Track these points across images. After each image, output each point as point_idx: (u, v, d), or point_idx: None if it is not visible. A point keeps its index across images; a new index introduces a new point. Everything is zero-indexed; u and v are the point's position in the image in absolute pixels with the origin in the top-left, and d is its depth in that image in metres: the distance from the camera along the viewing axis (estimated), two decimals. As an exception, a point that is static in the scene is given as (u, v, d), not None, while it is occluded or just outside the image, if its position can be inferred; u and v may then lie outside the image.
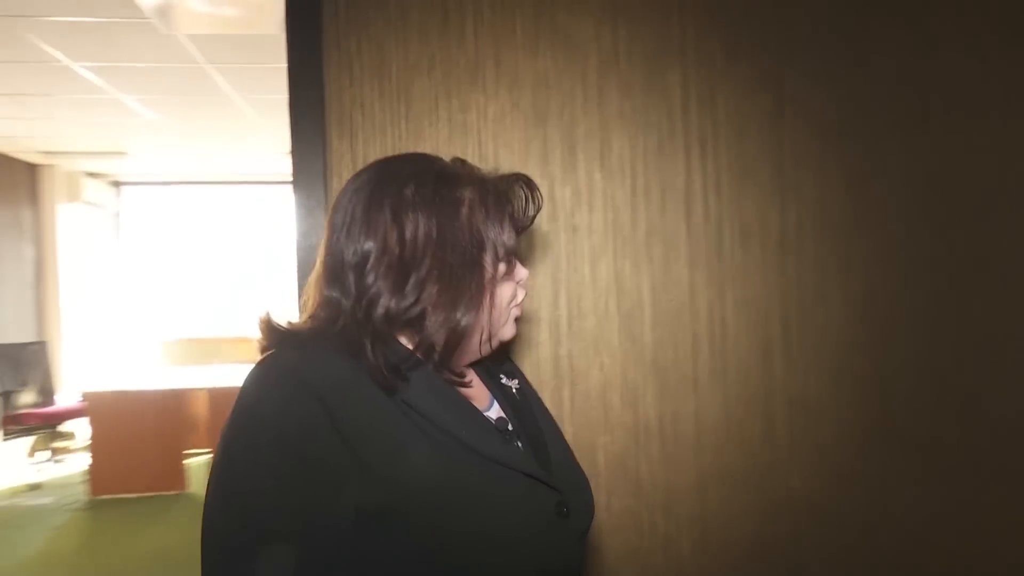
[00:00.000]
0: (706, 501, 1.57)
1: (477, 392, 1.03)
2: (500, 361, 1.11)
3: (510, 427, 1.01)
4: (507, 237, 0.96)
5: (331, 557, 0.83)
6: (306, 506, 0.82)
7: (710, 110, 1.58)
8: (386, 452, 0.86)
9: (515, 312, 1.01)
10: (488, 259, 0.94)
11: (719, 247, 1.58)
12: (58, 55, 4.08)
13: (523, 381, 1.13)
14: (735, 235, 1.59)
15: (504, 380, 1.09)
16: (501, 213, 0.96)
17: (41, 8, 3.43)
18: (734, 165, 1.58)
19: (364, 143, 1.48)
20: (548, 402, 1.47)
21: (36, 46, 3.93)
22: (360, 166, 1.34)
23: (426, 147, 1.50)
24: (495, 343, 0.99)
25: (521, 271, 1.00)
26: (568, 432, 1.53)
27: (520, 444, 1.00)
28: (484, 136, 1.52)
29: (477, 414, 0.97)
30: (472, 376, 1.04)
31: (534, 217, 1.03)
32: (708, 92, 1.58)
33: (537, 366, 1.54)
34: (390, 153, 1.42)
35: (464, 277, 0.92)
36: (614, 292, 1.56)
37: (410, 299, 0.90)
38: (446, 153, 1.40)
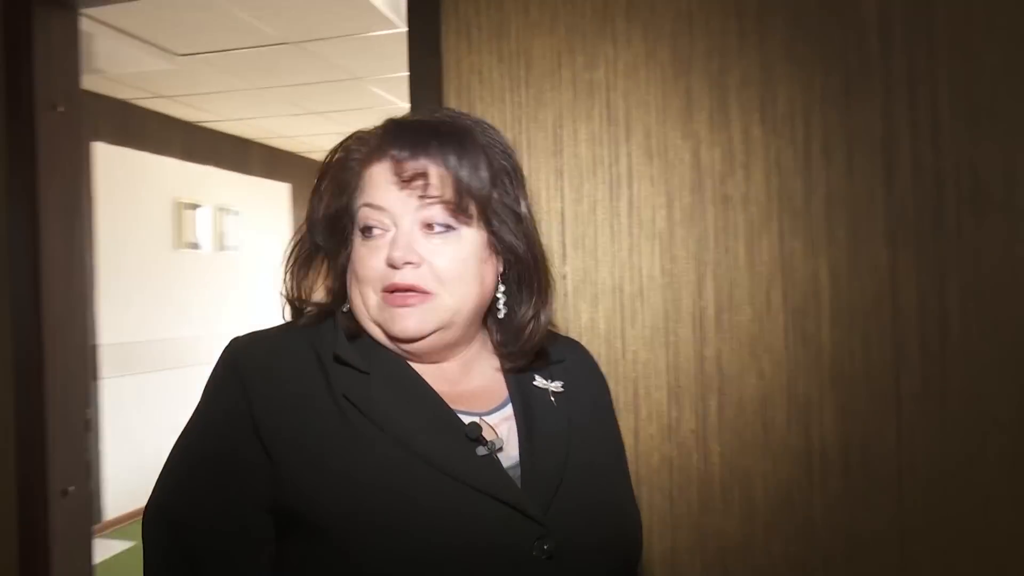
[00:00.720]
0: (908, 558, 1.15)
1: (481, 392, 0.85)
2: (548, 359, 0.91)
3: (491, 437, 0.80)
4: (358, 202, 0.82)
5: (253, 557, 0.74)
6: (214, 498, 0.74)
7: (925, 28, 1.15)
8: (300, 455, 0.74)
9: (395, 299, 0.80)
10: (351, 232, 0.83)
11: (937, 217, 1.15)
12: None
13: (578, 385, 0.91)
14: (963, 199, 1.14)
15: (539, 381, 0.88)
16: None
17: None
18: (962, 102, 1.14)
19: (483, 113, 1.35)
20: (687, 413, 1.22)
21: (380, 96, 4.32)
22: None
23: (547, 113, 1.32)
24: (391, 334, 0.81)
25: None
26: (714, 451, 1.24)
27: (513, 458, 0.79)
28: (613, 95, 1.30)
29: (444, 417, 0.79)
30: (481, 371, 0.86)
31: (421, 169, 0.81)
32: (923, 3, 1.15)
33: (675, 369, 1.27)
34: (509, 123, 1.29)
35: (332, 255, 0.85)
36: (779, 279, 1.22)
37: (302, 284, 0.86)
38: (569, 119, 1.23)
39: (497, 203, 0.82)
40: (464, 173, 0.79)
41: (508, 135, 1.28)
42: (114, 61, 3.54)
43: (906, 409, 1.16)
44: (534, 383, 0.88)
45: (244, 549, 0.77)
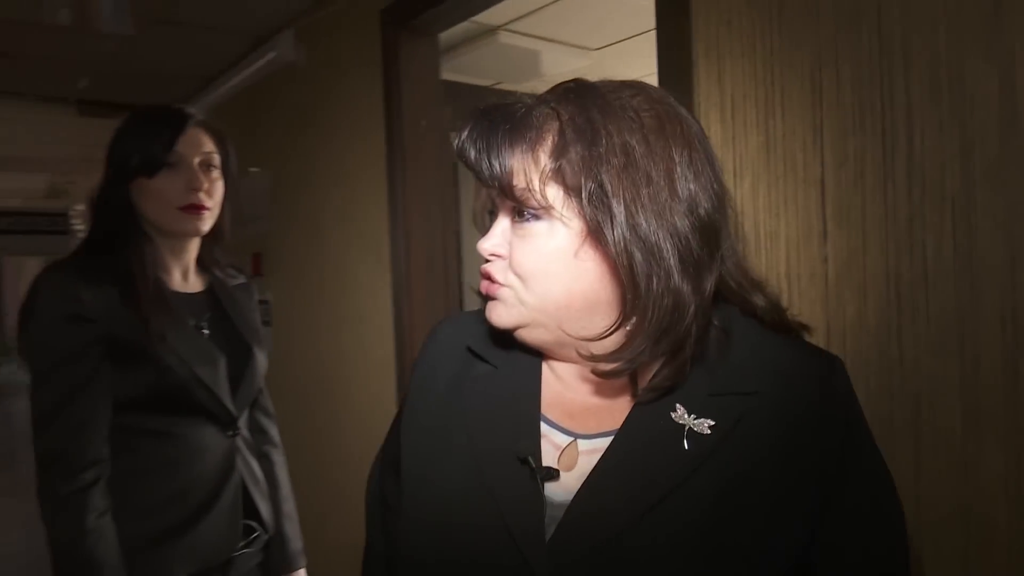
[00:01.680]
0: None
1: (598, 408, 0.74)
2: (714, 386, 0.70)
3: (550, 463, 0.70)
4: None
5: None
6: (379, 463, 0.89)
7: None
8: (407, 437, 0.79)
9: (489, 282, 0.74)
10: None
11: None
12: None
13: (759, 434, 0.68)
14: None
15: (678, 413, 0.69)
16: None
17: None
18: None
19: (731, 68, 1.16)
20: (991, 448, 0.90)
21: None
22: (726, 97, 1.13)
23: (804, 56, 1.06)
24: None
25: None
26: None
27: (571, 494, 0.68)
28: (887, 14, 0.97)
29: (524, 428, 0.72)
30: (613, 384, 0.74)
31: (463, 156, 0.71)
32: None
33: (974, 386, 0.91)
34: (760, 77, 1.11)
35: None
36: None
37: None
38: (830, 58, 0.99)
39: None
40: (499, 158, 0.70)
41: (760, 91, 1.09)
42: (544, 66, 3.97)
43: None
44: (672, 413, 0.69)
45: (384, 514, 0.85)
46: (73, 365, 1.19)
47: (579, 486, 0.68)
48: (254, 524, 1.37)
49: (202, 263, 1.43)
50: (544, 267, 0.69)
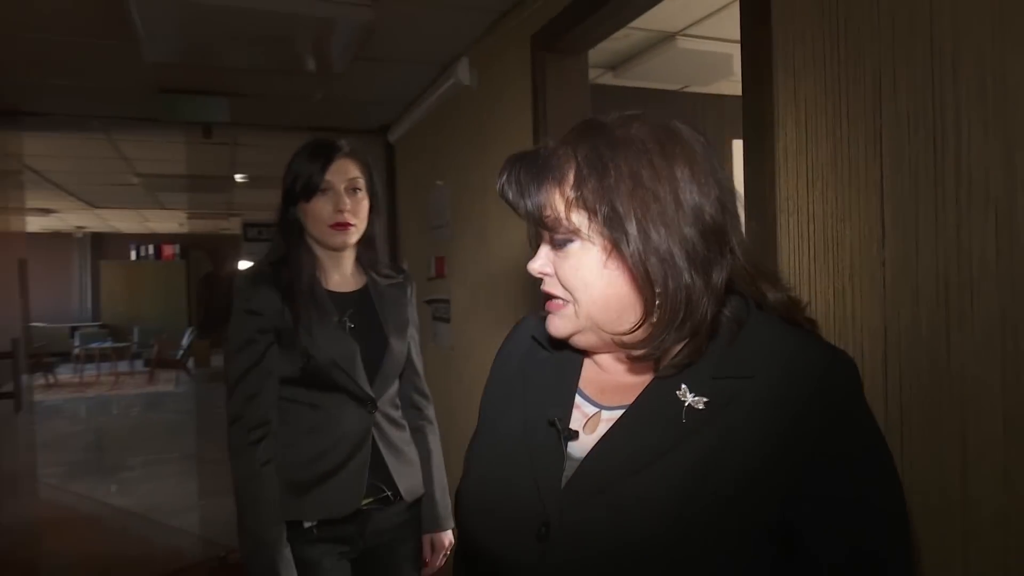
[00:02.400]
0: None
1: (622, 387, 0.87)
2: (718, 370, 0.80)
3: (578, 427, 0.84)
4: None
5: None
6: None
7: None
8: (484, 401, 0.99)
9: (549, 299, 0.86)
10: None
11: None
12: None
13: (747, 413, 0.77)
14: None
15: (682, 391, 0.80)
16: None
17: None
18: None
19: (802, 81, 1.20)
20: None
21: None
22: (800, 108, 1.19)
23: (866, 66, 1.08)
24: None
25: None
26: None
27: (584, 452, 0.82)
28: (938, 17, 0.98)
29: (561, 400, 0.88)
30: (638, 368, 0.87)
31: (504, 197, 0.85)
32: None
33: (1016, 393, 0.89)
34: (828, 90, 1.15)
35: None
36: None
37: None
38: (888, 66, 1.05)
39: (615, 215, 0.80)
40: (533, 195, 0.82)
41: (829, 101, 1.13)
42: (736, 65, 3.94)
43: None
44: (676, 392, 0.80)
45: None
46: (248, 348, 1.53)
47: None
48: (383, 486, 1.62)
49: (362, 265, 1.73)
50: (582, 279, 0.82)
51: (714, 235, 0.79)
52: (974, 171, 0.94)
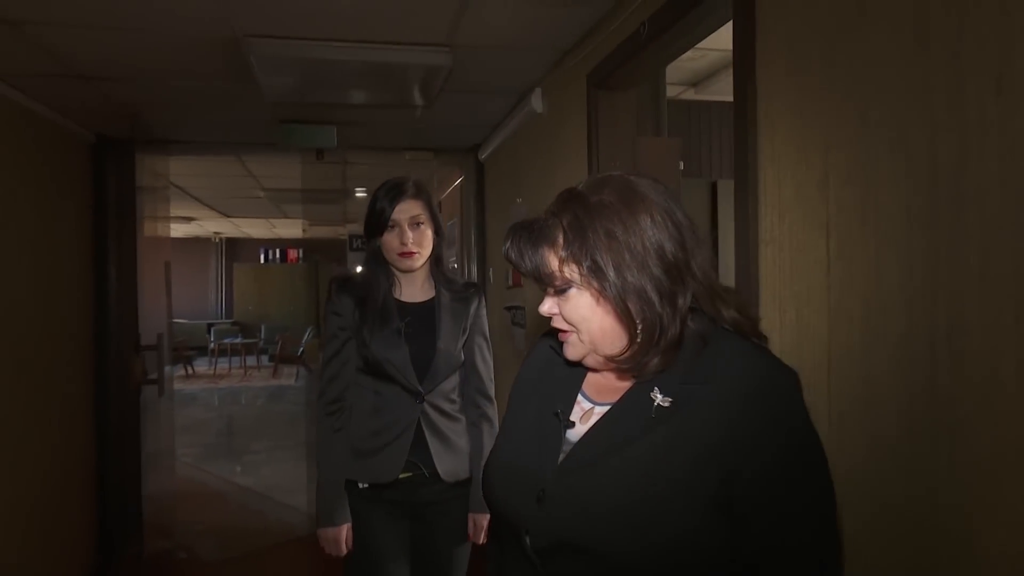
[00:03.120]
0: None
1: (613, 388, 1.09)
2: (684, 377, 1.01)
3: (576, 419, 1.10)
4: None
5: None
6: None
7: None
8: (510, 398, 1.25)
9: (560, 331, 1.09)
10: None
11: None
12: None
13: (701, 410, 0.97)
14: None
15: (655, 393, 1.02)
16: None
17: None
18: None
19: (777, 130, 1.41)
20: None
21: None
22: (776, 156, 1.43)
23: (817, 126, 1.29)
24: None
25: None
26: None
27: (571, 435, 1.08)
28: (865, 101, 1.18)
29: (567, 398, 1.13)
30: (623, 376, 1.08)
31: (509, 259, 1.07)
32: None
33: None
34: (791, 139, 1.36)
35: None
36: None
37: None
38: (833, 133, 1.26)
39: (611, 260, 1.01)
40: (534, 259, 1.04)
41: (792, 151, 1.35)
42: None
43: None
44: (651, 393, 1.02)
45: None
46: (332, 341, 1.94)
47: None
48: (421, 465, 1.94)
49: (434, 280, 2.06)
50: (581, 316, 1.04)
51: (676, 268, 1.00)
52: (887, 216, 1.14)
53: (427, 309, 2.02)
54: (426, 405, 1.97)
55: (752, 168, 1.50)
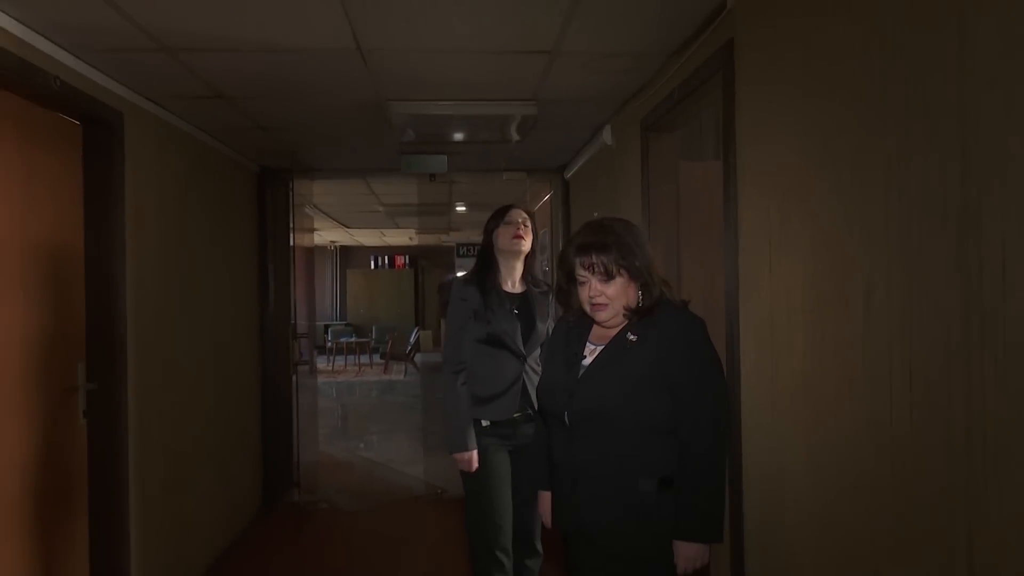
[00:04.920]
0: None
1: (608, 335, 1.88)
2: (645, 325, 1.82)
3: (587, 355, 1.90)
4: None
5: None
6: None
7: None
8: (546, 349, 2.07)
9: (597, 305, 1.85)
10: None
11: None
12: None
13: (654, 339, 1.80)
14: None
15: (629, 335, 1.84)
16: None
17: None
18: None
19: (748, 154, 2.12)
20: None
21: None
22: (756, 176, 2.14)
23: (771, 167, 1.99)
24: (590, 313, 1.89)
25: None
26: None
27: (586, 365, 1.87)
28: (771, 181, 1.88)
29: (582, 343, 1.92)
30: (616, 328, 1.87)
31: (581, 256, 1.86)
32: None
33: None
34: (761, 165, 2.09)
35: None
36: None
37: None
38: (785, 174, 1.97)
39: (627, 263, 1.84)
40: (604, 259, 1.84)
41: (762, 177, 2.06)
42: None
43: None
44: (628, 335, 1.85)
45: None
46: (457, 320, 2.72)
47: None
48: (527, 406, 2.72)
49: (524, 279, 2.85)
50: (617, 294, 1.85)
51: (651, 264, 1.83)
52: (788, 251, 1.83)
53: (524, 298, 2.82)
54: (526, 364, 2.76)
55: (733, 200, 2.21)
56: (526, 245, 2.78)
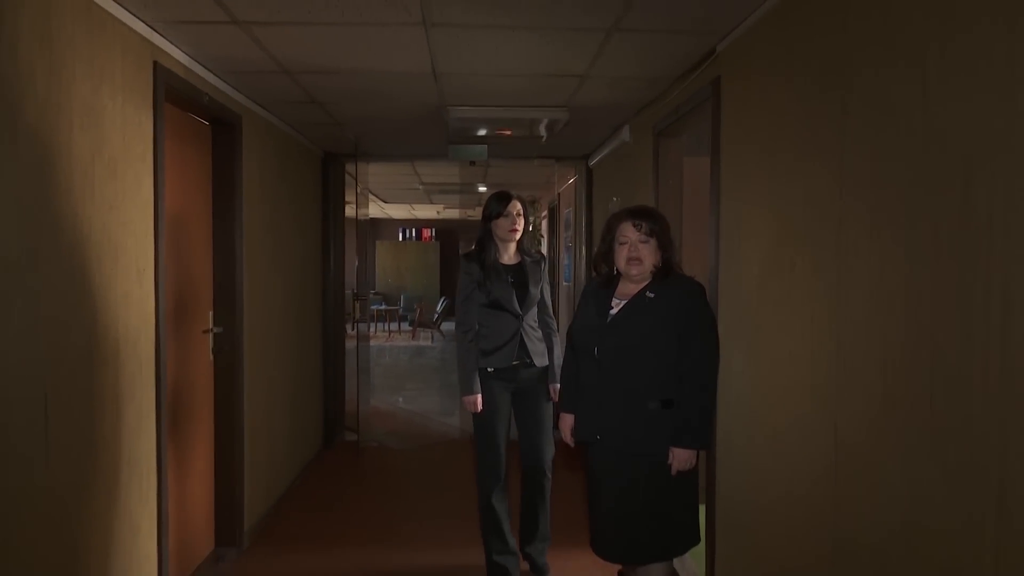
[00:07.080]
0: None
1: (632, 292, 2.60)
2: (662, 286, 2.55)
3: (613, 308, 2.64)
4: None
5: None
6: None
7: None
8: (578, 307, 2.83)
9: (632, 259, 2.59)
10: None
11: None
12: None
13: (667, 297, 2.52)
14: None
15: (648, 293, 2.57)
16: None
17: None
18: None
19: (732, 161, 2.86)
20: None
21: None
22: (736, 174, 2.90)
23: (749, 173, 2.73)
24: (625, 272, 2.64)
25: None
26: (763, 344, 2.48)
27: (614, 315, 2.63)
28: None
29: (602, 304, 2.67)
30: (639, 287, 2.60)
31: (633, 220, 2.63)
32: None
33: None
34: (748, 167, 2.84)
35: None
36: (781, 259, 2.37)
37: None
38: (762, 182, 2.72)
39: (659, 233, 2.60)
40: (646, 227, 2.60)
41: (758, 174, 2.80)
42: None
43: None
44: (647, 293, 2.59)
45: None
46: (465, 290, 3.46)
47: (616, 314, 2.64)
48: (525, 356, 3.44)
49: (519, 250, 3.58)
50: (650, 253, 2.59)
51: (671, 238, 2.59)
52: (752, 236, 2.57)
53: (518, 268, 3.50)
54: (522, 322, 3.47)
55: (716, 196, 2.95)
56: (519, 235, 3.44)
